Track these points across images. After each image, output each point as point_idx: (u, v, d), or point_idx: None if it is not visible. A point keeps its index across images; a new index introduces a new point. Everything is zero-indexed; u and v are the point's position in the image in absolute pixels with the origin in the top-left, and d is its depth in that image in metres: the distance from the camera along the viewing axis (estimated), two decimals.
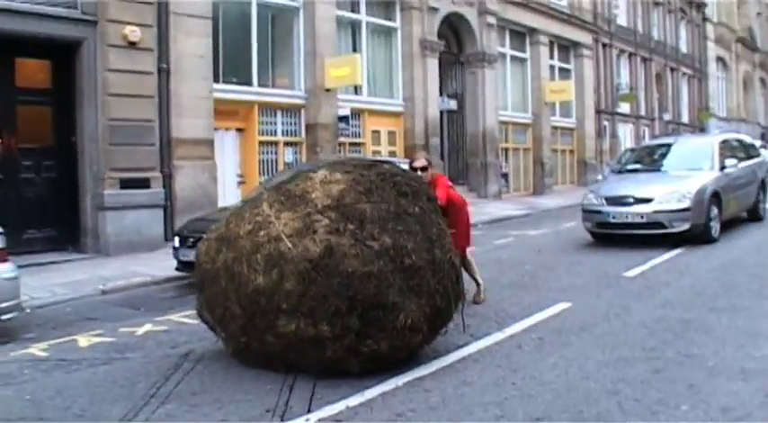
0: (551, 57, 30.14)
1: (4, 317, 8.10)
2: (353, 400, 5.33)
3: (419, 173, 8.12)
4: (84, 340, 7.92)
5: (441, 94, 23.75)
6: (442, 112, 23.97)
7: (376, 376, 5.78)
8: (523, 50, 28.88)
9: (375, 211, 5.89)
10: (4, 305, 8.04)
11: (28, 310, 9.01)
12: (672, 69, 43.37)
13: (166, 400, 5.59)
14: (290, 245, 5.80)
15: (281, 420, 5.01)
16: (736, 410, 4.84)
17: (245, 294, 6.01)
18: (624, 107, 37.00)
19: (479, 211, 20.66)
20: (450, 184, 8.84)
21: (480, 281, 8.88)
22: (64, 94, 15.02)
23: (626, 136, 37.19)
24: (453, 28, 25.00)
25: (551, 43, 30.03)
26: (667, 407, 4.94)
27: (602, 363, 6.01)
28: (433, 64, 22.95)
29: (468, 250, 8.88)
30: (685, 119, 45.90)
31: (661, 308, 8.03)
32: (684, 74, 45.94)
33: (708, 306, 7.98)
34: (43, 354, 7.45)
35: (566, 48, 31.36)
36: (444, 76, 24.52)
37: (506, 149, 27.79)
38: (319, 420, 4.99)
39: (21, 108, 14.70)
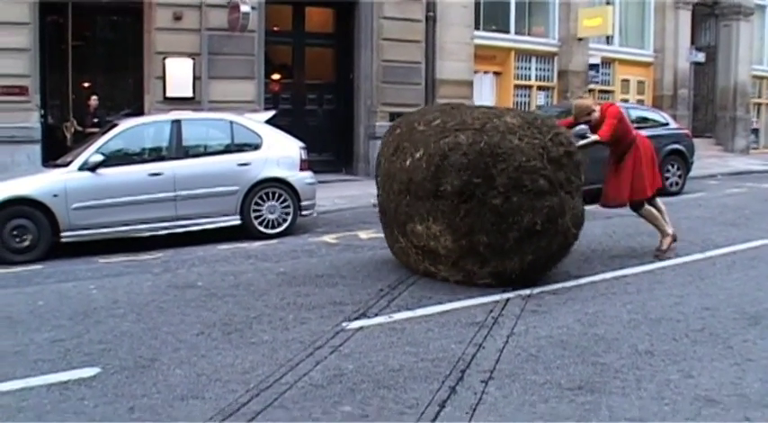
0: None
1: (305, 212, 10.57)
2: (569, 283, 7.09)
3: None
4: (363, 234, 10.27)
5: (691, 46, 24.05)
6: (690, 64, 24.32)
7: (589, 272, 7.45)
8: None
9: None
10: (306, 203, 10.48)
11: (315, 214, 11.37)
12: None
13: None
14: None
15: (513, 290, 6.82)
16: None
17: None
18: None
19: (722, 163, 21.25)
20: (621, 116, 8.10)
21: (666, 230, 8.48)
22: (344, 37, 17.58)
23: None
24: None
25: None
26: None
27: None
28: (685, 16, 23.31)
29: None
30: None
31: None
32: None
33: None
34: (334, 241, 9.85)
35: None
36: (696, 28, 24.70)
37: (759, 105, 27.41)
38: (541, 291, 6.78)
39: (308, 49, 17.50)
